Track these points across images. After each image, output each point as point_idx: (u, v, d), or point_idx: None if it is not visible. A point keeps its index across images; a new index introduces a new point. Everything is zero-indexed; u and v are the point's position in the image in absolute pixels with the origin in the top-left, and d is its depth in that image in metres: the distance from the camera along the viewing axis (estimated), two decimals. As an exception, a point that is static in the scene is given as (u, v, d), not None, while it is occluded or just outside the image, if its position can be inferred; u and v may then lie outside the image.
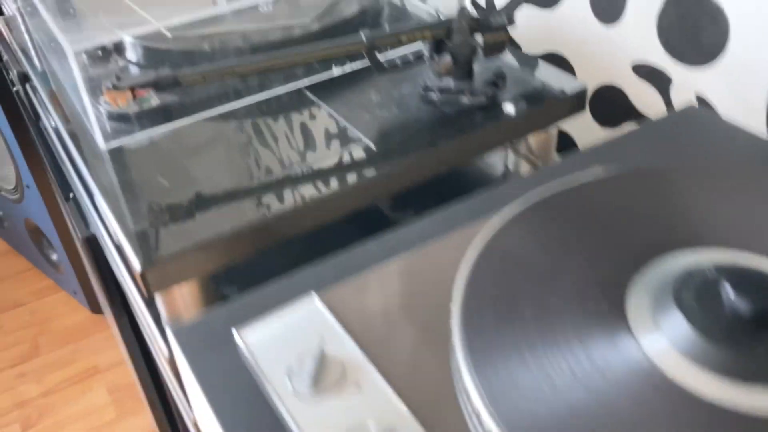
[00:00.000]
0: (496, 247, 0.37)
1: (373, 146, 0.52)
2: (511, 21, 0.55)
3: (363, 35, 0.53)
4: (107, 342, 1.40)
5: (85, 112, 0.54)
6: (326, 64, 0.64)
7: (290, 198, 0.48)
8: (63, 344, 1.41)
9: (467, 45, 0.54)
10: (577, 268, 0.36)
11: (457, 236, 0.41)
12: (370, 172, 0.50)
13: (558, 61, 0.77)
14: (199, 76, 0.50)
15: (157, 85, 0.49)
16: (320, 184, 0.49)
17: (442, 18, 0.55)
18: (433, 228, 0.44)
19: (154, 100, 0.55)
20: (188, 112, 0.57)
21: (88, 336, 1.42)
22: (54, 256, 1.48)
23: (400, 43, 0.53)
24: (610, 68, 0.71)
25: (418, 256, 0.40)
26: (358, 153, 0.52)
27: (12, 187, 1.40)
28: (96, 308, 1.47)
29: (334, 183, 0.49)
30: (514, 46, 0.82)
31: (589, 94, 0.74)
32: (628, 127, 0.71)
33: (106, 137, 0.54)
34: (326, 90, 0.60)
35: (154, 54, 0.61)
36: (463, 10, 0.54)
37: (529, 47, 0.81)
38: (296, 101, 0.59)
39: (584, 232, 0.38)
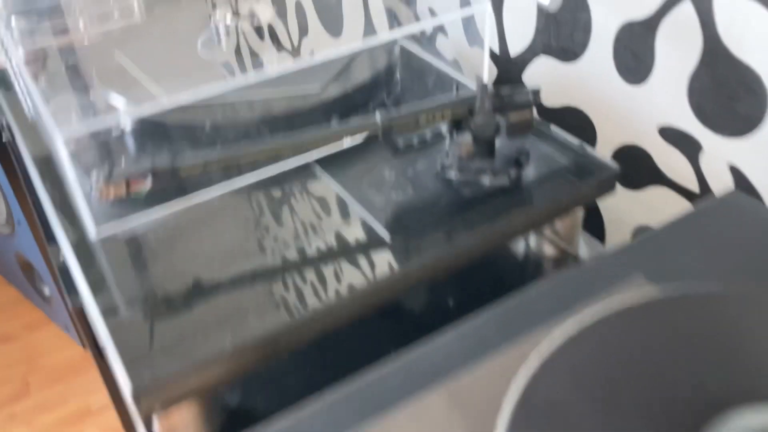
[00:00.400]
0: (536, 396, 0.33)
1: (387, 237, 0.48)
2: (537, 99, 0.51)
3: (378, 117, 0.49)
4: (99, 381, 1.35)
5: (74, 193, 0.49)
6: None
7: (299, 304, 0.43)
8: (54, 383, 1.36)
9: (489, 125, 0.50)
10: (630, 428, 0.32)
11: (489, 367, 0.37)
12: (384, 272, 0.45)
13: (577, 115, 0.73)
14: (200, 165, 0.46)
15: (154, 176, 0.45)
16: (333, 286, 0.44)
17: (463, 79, 0.51)
18: (460, 348, 0.39)
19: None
20: (186, 192, 0.52)
21: (79, 374, 1.37)
22: (46, 290, 1.44)
23: (417, 125, 0.49)
24: (635, 128, 0.67)
25: (446, 396, 0.36)
26: (372, 246, 0.47)
27: (2, 221, 1.35)
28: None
29: (347, 284, 0.45)
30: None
31: (611, 151, 0.70)
32: (654, 191, 0.67)
33: (98, 223, 0.50)
34: (336, 163, 0.56)
35: (150, 125, 0.56)
36: (484, 87, 0.50)
37: (545, 99, 0.77)
38: (304, 177, 0.55)
39: (635, 374, 0.34)
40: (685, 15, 0.58)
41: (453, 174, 0.53)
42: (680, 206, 0.65)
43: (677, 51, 0.60)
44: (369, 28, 1.06)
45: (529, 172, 0.53)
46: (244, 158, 0.47)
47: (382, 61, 0.67)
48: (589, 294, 0.41)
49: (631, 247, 0.45)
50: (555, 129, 0.58)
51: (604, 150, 0.71)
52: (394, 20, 1.00)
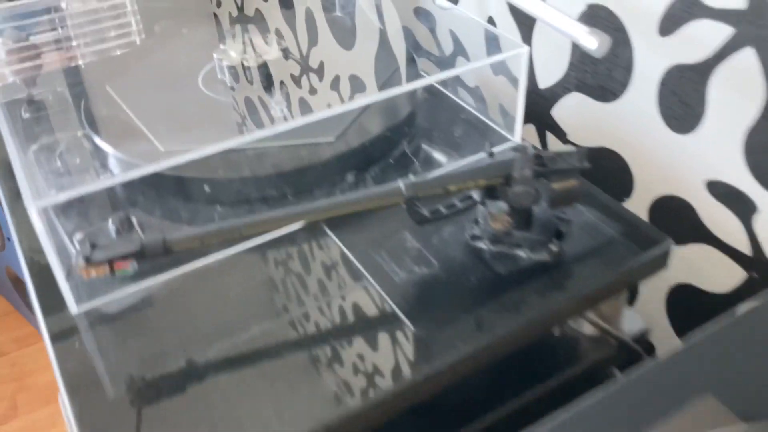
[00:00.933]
0: None
1: (409, 324, 0.42)
2: (584, 165, 0.44)
3: (402, 185, 0.42)
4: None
5: (53, 265, 0.43)
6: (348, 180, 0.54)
7: (301, 414, 0.37)
8: (43, 404, 1.30)
9: (529, 194, 0.44)
10: None
11: None
12: (405, 375, 0.39)
13: (611, 157, 0.67)
14: (196, 240, 0.39)
15: (143, 255, 0.39)
16: (343, 392, 0.38)
17: (490, 120, 0.44)
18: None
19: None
20: (180, 261, 0.46)
21: (71, 396, 1.31)
22: (37, 305, 1.38)
23: (446, 193, 0.43)
24: (678, 179, 0.61)
25: None
26: (391, 339, 0.41)
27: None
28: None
29: (360, 389, 0.38)
30: (559, 136, 0.72)
31: (650, 201, 0.64)
32: (697, 249, 0.61)
33: (79, 299, 0.44)
34: (348, 227, 0.49)
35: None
36: (524, 150, 0.44)
37: (576, 137, 0.70)
38: (312, 240, 0.48)
39: None
40: (745, 63, 0.52)
41: (485, 245, 0.47)
42: (727, 267, 0.58)
43: (734, 101, 0.54)
44: (384, 45, 0.99)
45: (571, 243, 0.47)
46: (245, 230, 0.41)
47: (403, 102, 0.61)
48: (650, 419, 0.35)
49: (689, 352, 0.39)
50: (599, 191, 0.52)
51: (641, 198, 0.65)
52: (410, 39, 0.94)
